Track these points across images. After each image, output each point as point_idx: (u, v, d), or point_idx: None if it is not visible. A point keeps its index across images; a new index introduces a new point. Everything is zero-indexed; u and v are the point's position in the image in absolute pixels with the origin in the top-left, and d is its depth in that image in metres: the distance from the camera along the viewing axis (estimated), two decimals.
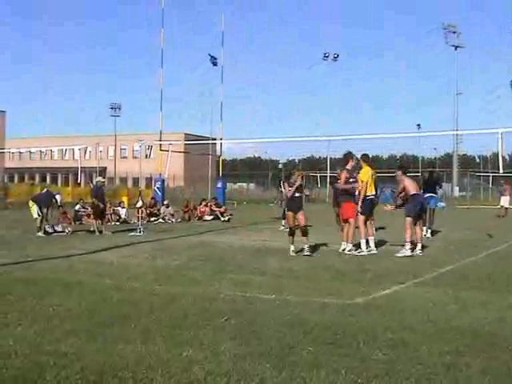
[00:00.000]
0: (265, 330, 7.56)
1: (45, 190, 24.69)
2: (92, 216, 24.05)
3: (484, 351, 6.67)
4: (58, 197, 23.36)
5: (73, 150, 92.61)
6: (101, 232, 22.54)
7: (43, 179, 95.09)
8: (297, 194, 16.10)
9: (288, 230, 16.36)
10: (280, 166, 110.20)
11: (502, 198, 40.12)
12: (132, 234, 22.30)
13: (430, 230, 22.45)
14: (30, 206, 22.37)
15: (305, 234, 15.92)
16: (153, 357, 6.31)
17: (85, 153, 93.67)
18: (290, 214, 16.15)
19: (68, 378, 5.63)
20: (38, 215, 21.93)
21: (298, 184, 16.02)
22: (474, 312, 8.81)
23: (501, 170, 23.88)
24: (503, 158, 20.78)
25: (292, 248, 15.87)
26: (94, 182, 28.15)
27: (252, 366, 6.06)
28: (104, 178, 28.22)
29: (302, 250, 15.71)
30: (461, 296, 10.03)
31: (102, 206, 23.49)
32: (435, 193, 23.72)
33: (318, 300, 9.51)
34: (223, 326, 7.80)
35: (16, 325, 7.63)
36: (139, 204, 25.99)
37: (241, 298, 9.76)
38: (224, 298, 9.63)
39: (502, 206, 39.67)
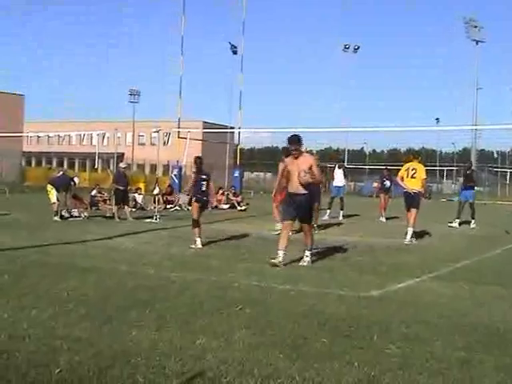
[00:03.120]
0: (279, 320, 7.55)
1: (60, 173, 24.73)
2: (114, 202, 23.82)
3: (498, 348, 6.64)
4: (76, 179, 23.51)
5: (91, 135, 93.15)
6: (120, 218, 22.48)
7: (60, 164, 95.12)
8: (203, 188, 15.82)
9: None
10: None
11: None
12: (148, 220, 22.34)
13: (458, 221, 24.26)
14: (49, 190, 22.35)
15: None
16: (166, 344, 6.31)
17: (103, 139, 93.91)
18: (196, 205, 15.77)
19: (81, 362, 5.62)
20: (58, 200, 21.96)
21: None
22: (489, 308, 8.78)
23: None
24: None
25: (198, 241, 15.24)
26: (117, 168, 28.26)
27: (265, 355, 6.04)
28: (127, 163, 28.17)
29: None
30: (476, 291, 10.02)
31: (122, 188, 23.23)
32: (473, 187, 24.76)
33: (333, 292, 9.50)
34: (237, 314, 7.79)
35: (31, 308, 7.64)
36: (156, 191, 26.05)
37: (256, 287, 9.76)
38: (239, 287, 9.64)
39: None
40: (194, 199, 15.93)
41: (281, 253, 12.36)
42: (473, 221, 24.37)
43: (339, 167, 27.65)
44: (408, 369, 5.82)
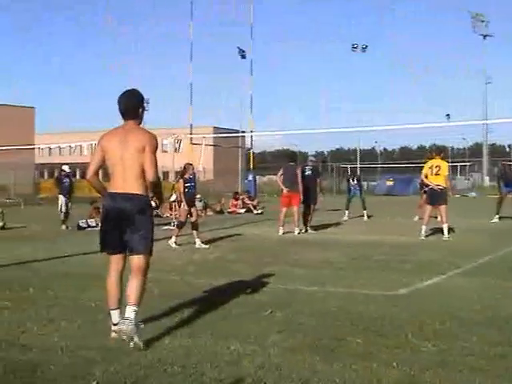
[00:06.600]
0: (311, 322, 7.48)
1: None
2: None
3: None
4: (65, 167, 23.86)
5: None
6: None
7: (73, 175, 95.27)
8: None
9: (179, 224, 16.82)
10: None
11: None
12: (166, 227, 22.20)
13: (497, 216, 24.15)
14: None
15: (195, 228, 16.41)
16: (201, 350, 6.24)
17: None
18: (184, 209, 16.68)
19: (117, 373, 5.56)
20: (62, 209, 22.50)
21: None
22: None
23: None
24: None
25: (173, 240, 16.22)
26: None
27: (302, 358, 5.97)
28: None
29: (194, 243, 16.14)
30: (504, 285, 9.96)
31: None
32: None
33: (361, 291, 9.43)
34: (268, 318, 7.72)
35: (59, 320, 7.58)
36: (173, 198, 25.95)
37: (283, 290, 9.68)
38: (266, 291, 9.56)
39: None
40: None
41: (114, 314, 6.98)
42: None
43: (352, 179, 28.52)
44: (447, 366, 5.74)
